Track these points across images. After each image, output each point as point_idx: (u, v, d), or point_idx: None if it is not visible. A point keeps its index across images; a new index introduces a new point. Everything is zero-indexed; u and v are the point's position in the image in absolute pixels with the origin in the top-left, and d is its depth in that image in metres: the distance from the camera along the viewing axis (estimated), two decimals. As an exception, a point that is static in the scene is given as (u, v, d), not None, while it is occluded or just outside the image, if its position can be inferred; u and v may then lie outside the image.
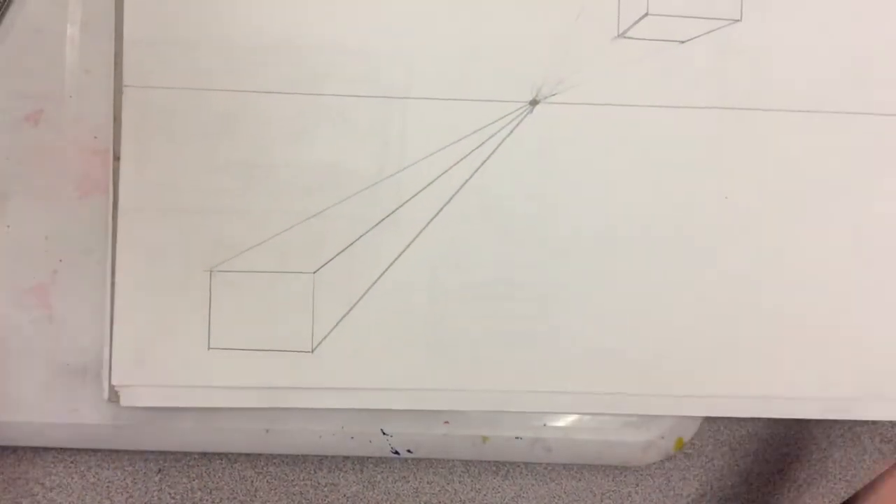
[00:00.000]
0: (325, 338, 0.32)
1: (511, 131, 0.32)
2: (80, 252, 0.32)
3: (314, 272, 0.32)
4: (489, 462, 0.34)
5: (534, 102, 0.32)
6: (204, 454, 0.34)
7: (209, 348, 0.32)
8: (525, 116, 0.32)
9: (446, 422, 0.33)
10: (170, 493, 0.33)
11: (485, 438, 0.33)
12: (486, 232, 0.32)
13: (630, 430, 0.33)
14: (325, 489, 0.34)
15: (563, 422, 0.33)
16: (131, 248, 0.32)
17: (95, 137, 0.32)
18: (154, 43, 0.32)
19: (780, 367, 0.33)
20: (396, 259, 0.32)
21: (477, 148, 0.32)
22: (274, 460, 0.34)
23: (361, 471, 0.34)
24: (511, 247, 0.32)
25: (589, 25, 0.32)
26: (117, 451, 0.33)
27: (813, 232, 0.33)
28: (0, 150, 0.32)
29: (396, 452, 0.33)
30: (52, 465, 0.33)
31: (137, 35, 0.32)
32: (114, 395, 0.32)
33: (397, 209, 0.32)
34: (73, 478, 0.33)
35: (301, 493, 0.34)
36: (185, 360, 0.32)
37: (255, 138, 0.32)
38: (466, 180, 0.32)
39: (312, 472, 0.34)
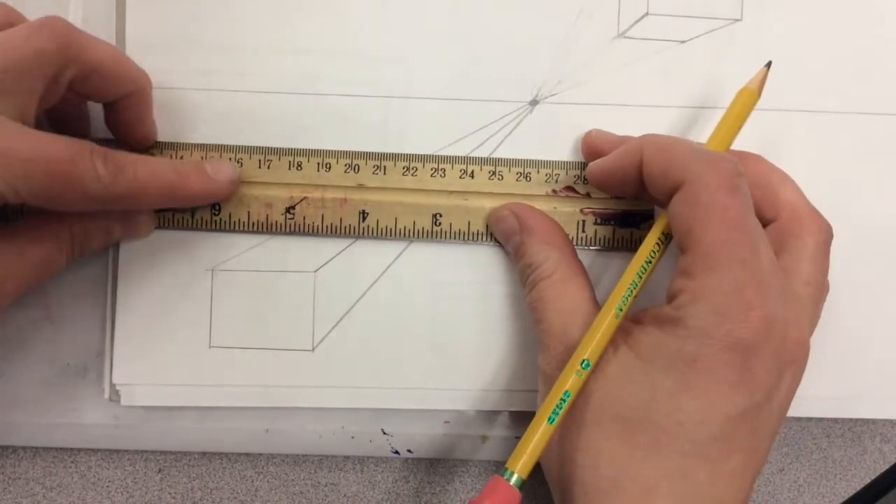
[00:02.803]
0: (325, 337, 0.32)
1: (511, 131, 0.32)
2: (80, 251, 0.32)
3: (315, 271, 0.32)
4: (489, 462, 0.34)
5: (534, 102, 0.33)
6: (204, 454, 0.34)
7: (210, 347, 0.32)
8: (525, 116, 0.32)
9: (446, 422, 0.33)
10: (170, 493, 0.33)
11: (485, 438, 0.33)
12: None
13: (630, 430, 0.33)
14: (326, 489, 0.34)
15: (564, 422, 0.33)
16: (132, 246, 0.32)
17: (96, 137, 0.32)
18: (155, 43, 0.32)
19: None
20: (397, 258, 0.32)
21: (477, 147, 0.32)
22: (274, 460, 0.34)
23: (361, 471, 0.34)
24: (511, 246, 0.32)
25: (589, 25, 0.33)
26: (117, 451, 0.33)
27: (813, 232, 0.33)
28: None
29: (396, 452, 0.33)
30: (52, 465, 0.33)
31: (139, 36, 0.32)
32: (114, 395, 0.32)
33: (398, 209, 0.32)
34: (73, 478, 0.33)
35: (301, 493, 0.34)
36: (186, 358, 0.32)
37: (256, 138, 0.32)
38: (467, 180, 0.32)
39: (312, 471, 0.34)
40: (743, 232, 0.25)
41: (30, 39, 0.26)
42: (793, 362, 0.26)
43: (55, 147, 0.25)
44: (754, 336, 0.24)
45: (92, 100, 0.29)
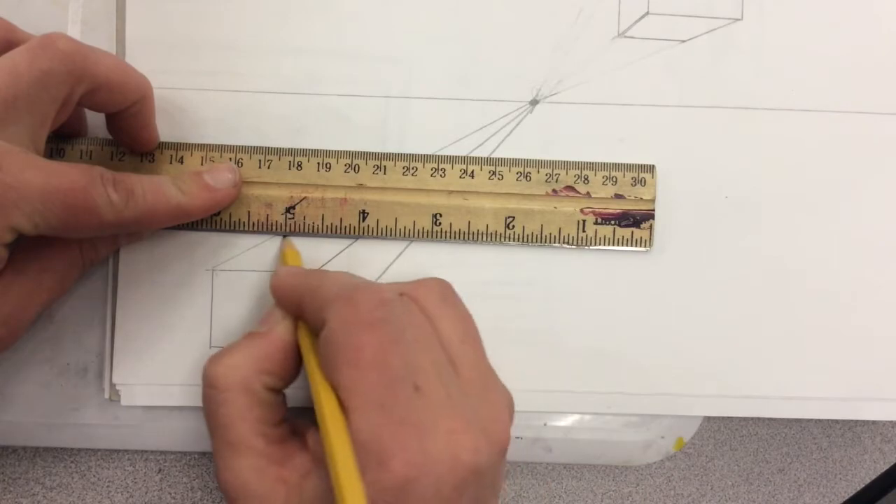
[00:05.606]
0: (325, 337, 0.32)
1: (511, 131, 0.32)
2: (80, 251, 0.32)
3: (315, 271, 0.32)
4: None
5: (534, 102, 0.33)
6: (204, 454, 0.34)
7: (210, 347, 0.32)
8: (525, 116, 0.32)
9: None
10: (170, 493, 0.33)
11: (485, 438, 0.33)
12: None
13: (630, 430, 0.33)
14: (326, 489, 0.34)
15: (564, 422, 0.33)
16: (133, 247, 0.32)
17: (96, 137, 0.32)
18: (155, 44, 0.32)
19: (780, 368, 0.33)
20: (397, 258, 0.32)
21: (477, 147, 0.32)
22: (274, 460, 0.34)
23: (362, 470, 0.34)
24: (512, 246, 0.32)
25: (589, 25, 0.33)
26: (117, 451, 0.33)
27: (813, 231, 0.33)
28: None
29: (397, 452, 0.33)
30: (52, 465, 0.33)
31: (139, 36, 0.32)
32: (114, 395, 0.32)
33: (398, 209, 0.32)
34: (73, 477, 0.33)
35: (301, 493, 0.34)
36: (186, 358, 0.32)
37: (256, 138, 0.32)
38: (467, 180, 0.32)
39: (313, 471, 0.34)
40: (379, 371, 0.23)
41: (35, 62, 0.25)
42: (469, 480, 0.23)
43: (69, 177, 0.25)
44: (399, 482, 0.22)
45: (97, 111, 0.29)
